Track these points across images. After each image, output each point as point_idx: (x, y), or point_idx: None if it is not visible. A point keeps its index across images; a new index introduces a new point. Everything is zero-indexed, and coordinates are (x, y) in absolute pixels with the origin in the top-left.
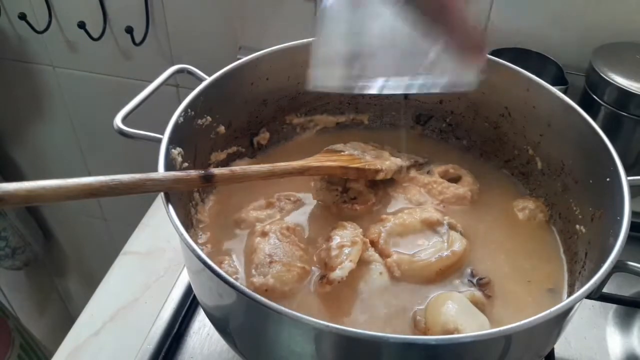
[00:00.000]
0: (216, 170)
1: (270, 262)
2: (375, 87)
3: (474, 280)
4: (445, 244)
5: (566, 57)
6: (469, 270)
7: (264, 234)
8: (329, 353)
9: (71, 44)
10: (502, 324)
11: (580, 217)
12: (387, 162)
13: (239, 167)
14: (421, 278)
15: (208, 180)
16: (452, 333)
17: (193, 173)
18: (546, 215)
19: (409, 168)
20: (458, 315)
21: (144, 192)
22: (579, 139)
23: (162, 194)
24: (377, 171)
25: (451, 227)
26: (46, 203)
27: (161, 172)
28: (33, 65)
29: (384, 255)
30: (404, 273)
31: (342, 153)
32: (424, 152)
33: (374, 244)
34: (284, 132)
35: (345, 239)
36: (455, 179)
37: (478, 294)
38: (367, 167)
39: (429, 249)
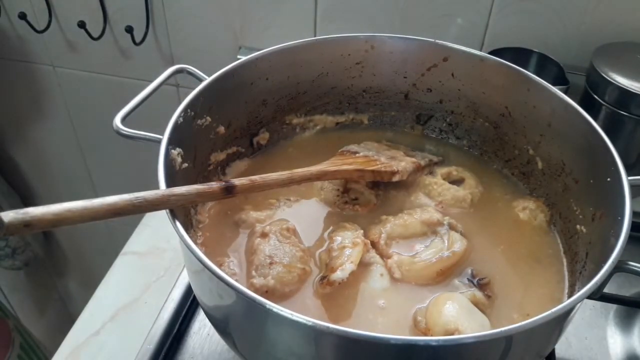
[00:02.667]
0: (237, 181)
1: (271, 264)
2: None
3: (475, 281)
4: (446, 244)
5: (567, 57)
6: (469, 271)
7: (264, 235)
8: (330, 354)
9: (71, 44)
10: (502, 325)
11: (580, 217)
12: (403, 163)
13: (258, 177)
14: (422, 279)
15: (230, 192)
16: (452, 333)
17: (215, 185)
18: (547, 215)
19: (424, 168)
20: (459, 315)
21: (168, 208)
22: (580, 138)
23: None
24: (393, 173)
25: (451, 227)
26: (72, 224)
27: (184, 187)
28: (33, 65)
29: (384, 256)
30: (404, 274)
31: (357, 155)
32: (424, 151)
33: (374, 244)
34: (283, 132)
35: (347, 240)
36: (458, 181)
37: (479, 294)
38: (383, 169)
39: (429, 250)
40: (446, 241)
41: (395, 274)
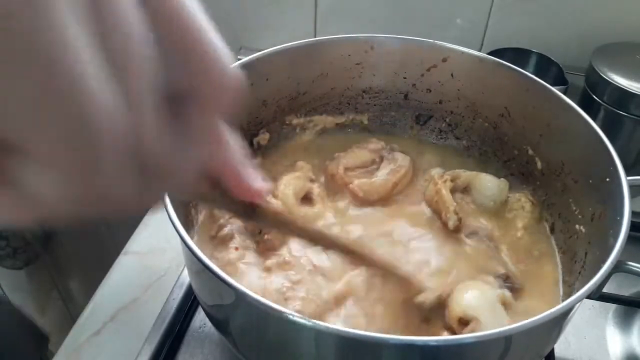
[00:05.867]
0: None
1: (287, 300)
2: None
3: (507, 284)
4: (392, 163)
5: (566, 57)
6: (503, 272)
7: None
8: (329, 354)
9: None
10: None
11: (580, 217)
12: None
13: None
14: (381, 193)
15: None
16: (469, 321)
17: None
18: (545, 215)
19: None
20: (482, 306)
21: None
22: (579, 139)
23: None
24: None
25: (392, 150)
26: None
27: None
28: None
29: (346, 184)
30: (365, 192)
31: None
32: (423, 151)
33: (334, 177)
34: (283, 132)
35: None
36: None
37: (508, 295)
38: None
39: (381, 170)
40: (392, 161)
41: (359, 193)
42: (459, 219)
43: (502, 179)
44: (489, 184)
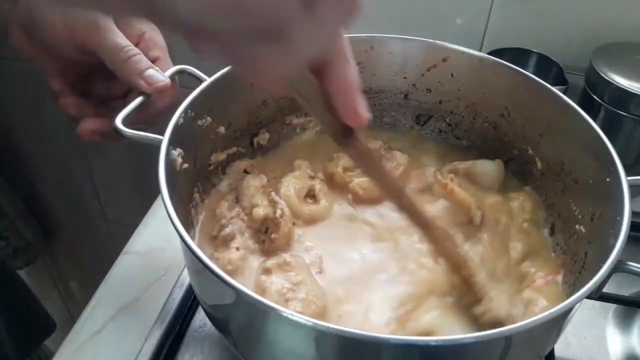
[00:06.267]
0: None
1: (287, 301)
2: None
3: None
4: (390, 162)
5: (566, 57)
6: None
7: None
8: (329, 354)
9: None
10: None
11: (580, 217)
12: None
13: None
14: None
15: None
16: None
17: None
18: (545, 215)
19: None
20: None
21: None
22: (579, 139)
23: (162, 194)
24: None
25: (390, 149)
26: None
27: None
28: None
29: (345, 183)
30: (365, 191)
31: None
32: (423, 152)
33: (332, 176)
34: (283, 132)
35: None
36: None
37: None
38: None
39: None
40: (390, 159)
41: (360, 192)
42: (482, 214)
43: (495, 160)
44: (486, 168)
